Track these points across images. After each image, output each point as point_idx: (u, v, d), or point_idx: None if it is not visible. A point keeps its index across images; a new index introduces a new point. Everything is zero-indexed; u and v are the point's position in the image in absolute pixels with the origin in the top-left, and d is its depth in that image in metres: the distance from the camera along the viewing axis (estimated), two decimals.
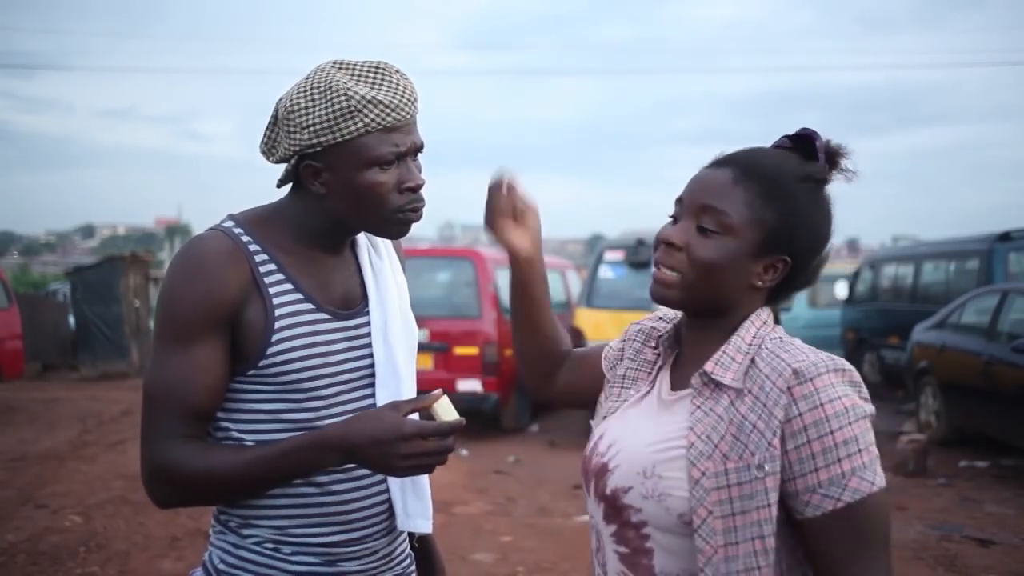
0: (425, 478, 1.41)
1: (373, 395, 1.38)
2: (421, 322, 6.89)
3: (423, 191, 1.34)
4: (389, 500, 1.38)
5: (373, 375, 1.38)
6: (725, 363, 1.12)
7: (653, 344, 1.28)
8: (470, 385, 8.21)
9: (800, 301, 14.22)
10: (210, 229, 1.34)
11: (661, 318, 1.32)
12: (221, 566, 1.34)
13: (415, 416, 1.23)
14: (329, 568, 1.33)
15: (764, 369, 1.09)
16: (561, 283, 11.05)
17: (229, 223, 1.34)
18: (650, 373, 1.26)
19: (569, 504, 5.70)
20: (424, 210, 1.35)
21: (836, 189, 1.20)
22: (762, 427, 1.06)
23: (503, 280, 8.91)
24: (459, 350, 8.22)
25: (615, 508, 1.16)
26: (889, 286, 11.14)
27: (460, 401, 8.39)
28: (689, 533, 1.08)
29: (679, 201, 1.18)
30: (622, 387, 1.28)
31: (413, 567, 1.49)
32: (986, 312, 7.14)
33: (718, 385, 1.12)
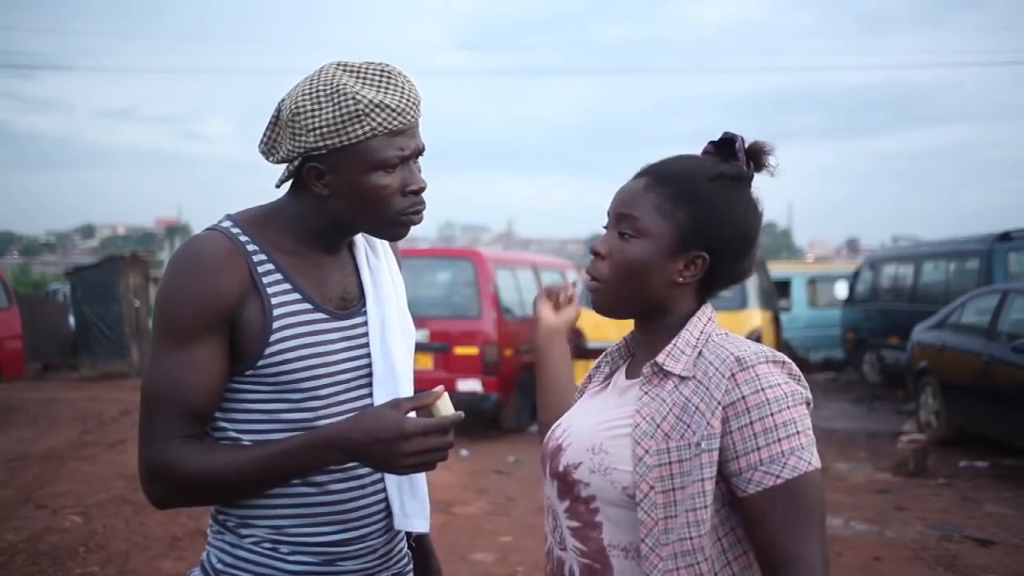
0: (422, 478, 1.42)
1: (371, 395, 1.38)
2: (421, 322, 6.88)
3: (423, 193, 1.34)
4: (387, 500, 1.38)
5: (371, 375, 1.38)
6: (675, 355, 1.21)
7: (601, 362, 1.39)
8: (470, 385, 8.21)
9: (800, 301, 14.26)
10: (208, 229, 1.34)
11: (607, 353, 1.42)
12: (219, 566, 1.34)
13: (414, 414, 1.23)
14: (327, 567, 1.33)
15: (709, 358, 1.18)
16: (561, 283, 11.04)
17: (227, 223, 1.34)
18: (606, 377, 1.36)
19: None
20: (424, 211, 1.36)
21: (779, 189, 1.29)
22: (703, 408, 1.14)
23: (503, 280, 8.91)
24: (459, 350, 8.22)
25: (567, 484, 1.24)
26: (889, 286, 11.14)
27: (460, 401, 8.37)
28: (633, 506, 1.15)
29: (608, 214, 1.28)
30: (582, 390, 1.41)
31: (411, 566, 1.50)
32: (986, 312, 7.14)
33: (666, 374, 1.20)
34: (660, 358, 1.21)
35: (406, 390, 1.41)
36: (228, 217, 1.36)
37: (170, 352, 1.26)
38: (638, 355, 1.31)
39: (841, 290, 13.22)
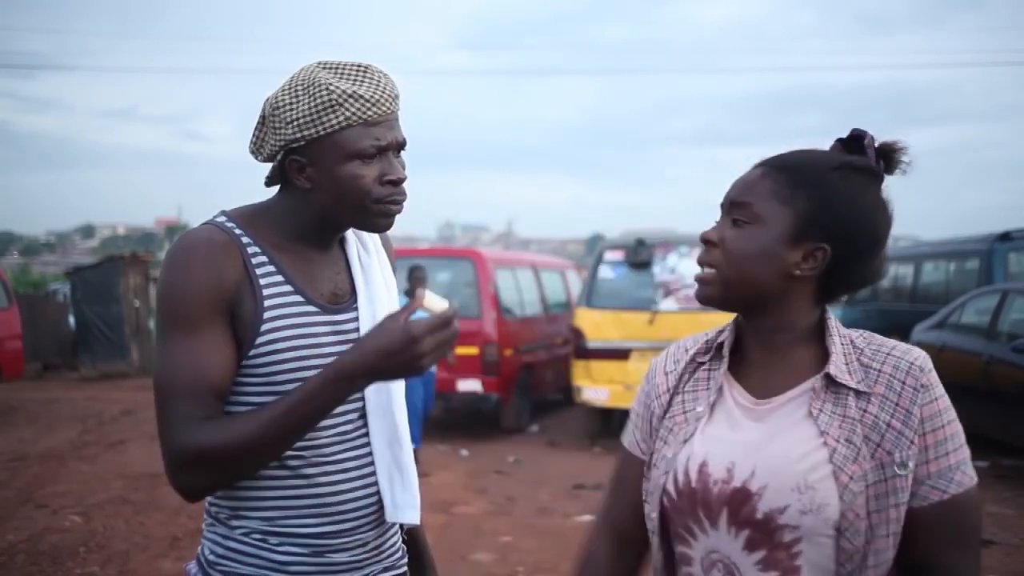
0: (413, 470, 1.42)
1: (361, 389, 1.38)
2: None
3: (407, 188, 1.36)
4: (378, 492, 1.39)
5: None
6: (841, 366, 1.12)
7: (700, 360, 1.25)
8: (470, 385, 8.21)
9: None
10: (203, 224, 1.36)
11: (681, 347, 1.30)
12: (211, 557, 1.35)
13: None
14: (316, 559, 1.34)
15: (883, 369, 1.11)
16: (561, 283, 11.05)
17: (222, 218, 1.36)
18: (707, 387, 1.22)
19: (569, 504, 5.70)
20: (404, 202, 1.37)
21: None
22: (899, 426, 1.08)
23: (503, 280, 8.91)
24: (459, 350, 8.19)
25: (766, 532, 1.10)
26: (889, 286, 11.14)
27: (460, 401, 8.41)
28: (835, 538, 1.07)
29: (720, 206, 1.20)
30: (683, 411, 1.22)
31: (405, 560, 1.50)
32: (986, 312, 7.14)
33: (839, 387, 1.11)
34: (832, 370, 1.11)
35: (398, 387, 1.43)
36: (222, 213, 1.38)
37: (179, 340, 1.26)
38: (750, 359, 1.20)
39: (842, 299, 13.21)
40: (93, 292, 13.58)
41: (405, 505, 1.40)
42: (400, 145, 1.35)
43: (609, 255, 8.57)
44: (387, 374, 1.24)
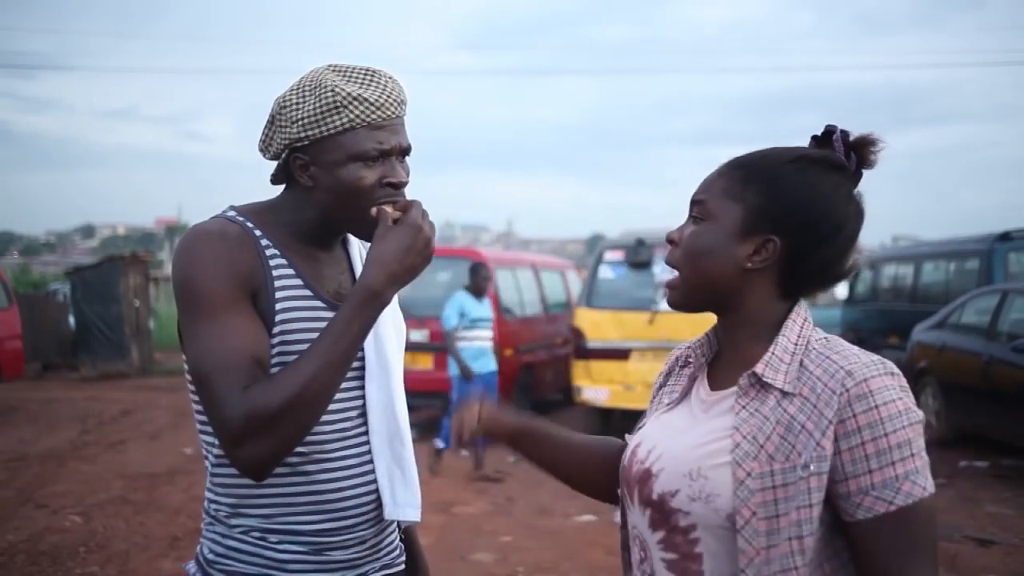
0: (413, 468, 1.43)
1: (363, 387, 1.39)
2: (422, 322, 6.89)
3: (409, 193, 1.36)
4: (377, 490, 1.39)
5: (363, 368, 1.40)
6: (775, 365, 1.10)
7: (684, 360, 1.28)
8: None
9: (800, 301, 14.23)
10: (213, 217, 1.36)
11: (682, 346, 1.33)
12: (211, 556, 1.35)
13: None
14: (315, 556, 1.34)
15: (815, 371, 1.08)
16: (561, 283, 11.05)
17: (232, 212, 1.37)
18: (684, 382, 1.25)
19: (569, 504, 5.70)
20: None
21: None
22: (811, 427, 1.05)
23: (503, 280, 8.91)
24: None
25: (662, 513, 1.13)
26: (889, 286, 11.14)
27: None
28: (734, 535, 1.06)
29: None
30: (658, 402, 1.28)
31: (403, 559, 1.50)
32: (986, 312, 7.14)
33: (765, 386, 1.10)
34: (759, 368, 1.11)
35: (397, 385, 1.44)
36: (231, 208, 1.39)
37: (210, 325, 1.24)
38: (722, 356, 1.22)
39: (841, 290, 13.22)
40: (93, 292, 13.58)
41: (405, 503, 1.41)
42: (405, 150, 1.36)
43: (609, 255, 8.57)
44: (410, 274, 1.28)
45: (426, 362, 8.20)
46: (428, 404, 8.61)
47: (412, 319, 8.47)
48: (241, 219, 1.35)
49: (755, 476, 1.05)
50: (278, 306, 1.31)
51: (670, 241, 1.19)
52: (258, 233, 1.34)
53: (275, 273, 1.32)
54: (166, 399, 10.55)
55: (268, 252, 1.33)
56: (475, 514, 5.57)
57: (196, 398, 1.31)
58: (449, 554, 4.58)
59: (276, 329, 1.30)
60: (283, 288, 1.32)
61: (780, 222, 1.12)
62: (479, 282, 6.97)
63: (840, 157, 1.16)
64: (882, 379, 1.05)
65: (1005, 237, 8.46)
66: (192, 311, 1.26)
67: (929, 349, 7.84)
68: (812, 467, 1.04)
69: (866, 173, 1.17)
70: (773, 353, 1.11)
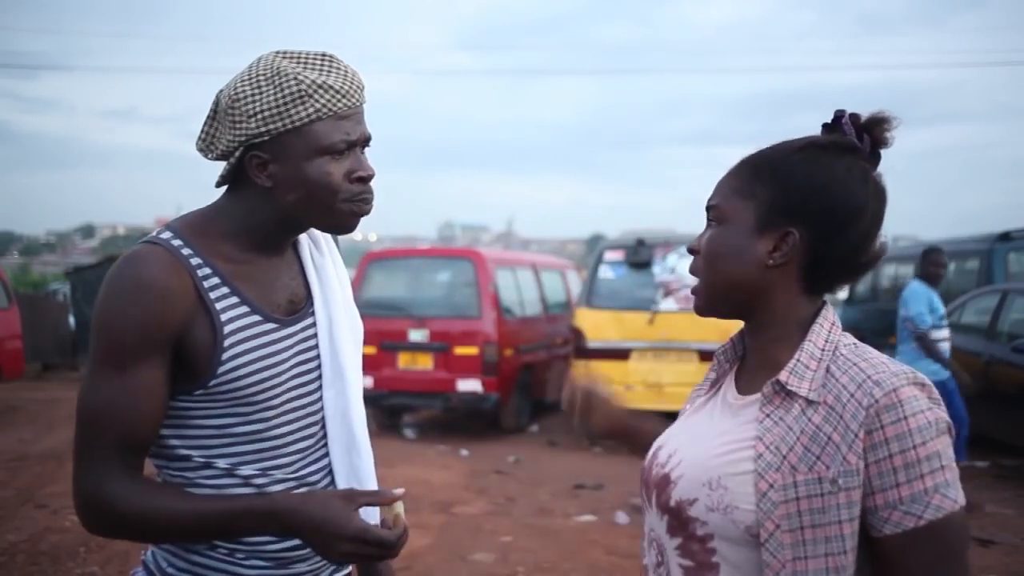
0: (372, 479, 1.40)
1: (321, 397, 1.37)
2: (422, 322, 6.89)
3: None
4: None
5: (319, 375, 1.37)
6: (799, 372, 1.07)
7: (716, 362, 1.27)
8: (470, 385, 8.20)
9: None
10: (147, 242, 1.26)
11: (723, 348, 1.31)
12: (170, 570, 1.31)
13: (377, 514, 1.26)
14: (280, 570, 1.32)
15: (841, 379, 1.05)
16: (561, 283, 11.05)
17: (167, 234, 1.27)
18: (712, 384, 1.23)
19: (569, 504, 5.70)
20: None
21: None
22: (837, 440, 1.02)
23: (503, 280, 8.91)
24: (459, 350, 8.21)
25: (680, 520, 1.11)
26: (889, 286, 11.13)
27: (460, 401, 8.41)
28: (757, 546, 1.04)
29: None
30: (690, 401, 1.27)
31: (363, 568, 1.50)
32: (986, 312, 7.14)
33: (790, 394, 1.07)
34: (783, 376, 1.07)
35: (356, 390, 1.40)
36: (168, 227, 1.29)
37: (109, 376, 1.21)
38: (748, 360, 1.19)
39: (841, 290, 13.22)
40: (93, 292, 13.38)
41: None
42: (367, 140, 1.29)
43: (609, 255, 8.57)
44: (303, 538, 1.21)
45: (426, 362, 8.21)
46: (428, 404, 8.64)
47: (413, 319, 8.50)
48: (177, 243, 1.25)
49: (778, 488, 1.03)
50: (227, 341, 1.24)
51: (691, 251, 1.17)
52: (195, 261, 1.24)
53: (219, 305, 1.25)
54: None
55: (208, 283, 1.25)
56: (475, 514, 5.57)
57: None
58: (449, 554, 4.58)
59: (225, 367, 1.24)
60: (229, 320, 1.26)
61: (796, 212, 1.09)
62: (933, 269, 6.05)
63: (851, 140, 1.12)
64: (911, 389, 1.02)
65: (1005, 237, 8.46)
66: (98, 352, 1.22)
67: None
68: (840, 482, 1.01)
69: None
70: (799, 360, 1.08)
